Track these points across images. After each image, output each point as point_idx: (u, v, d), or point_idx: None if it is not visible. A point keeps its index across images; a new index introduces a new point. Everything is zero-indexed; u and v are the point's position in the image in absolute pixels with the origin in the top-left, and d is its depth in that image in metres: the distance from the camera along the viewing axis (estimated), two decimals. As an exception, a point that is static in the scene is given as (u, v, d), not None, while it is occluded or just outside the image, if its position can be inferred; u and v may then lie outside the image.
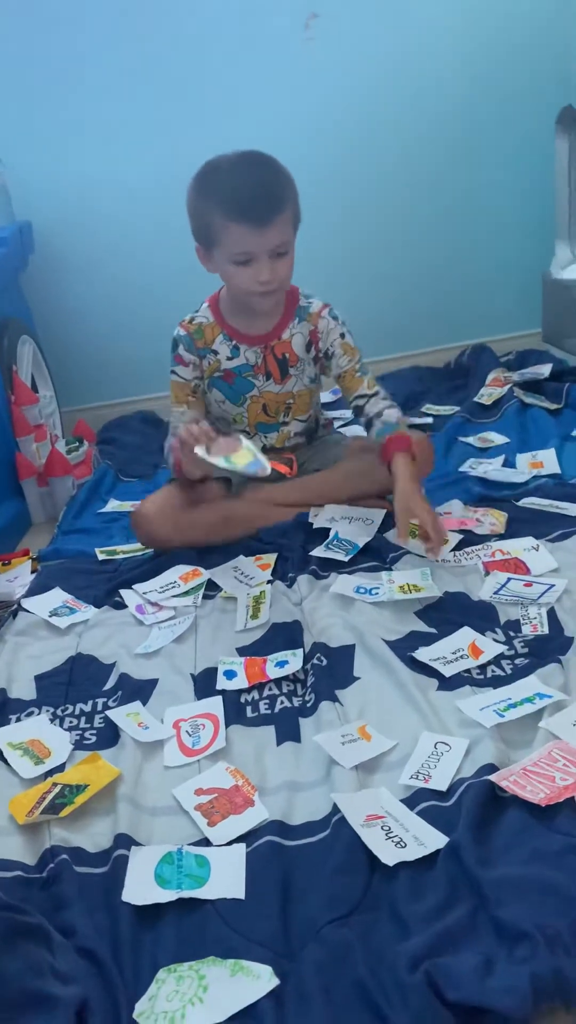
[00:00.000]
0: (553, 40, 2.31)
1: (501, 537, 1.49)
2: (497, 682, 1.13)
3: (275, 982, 0.75)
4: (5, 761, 1.11)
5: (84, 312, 2.43)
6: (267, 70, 2.29)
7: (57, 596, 1.51)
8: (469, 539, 1.49)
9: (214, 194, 1.43)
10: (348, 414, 2.19)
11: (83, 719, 1.19)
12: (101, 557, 1.66)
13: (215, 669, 1.25)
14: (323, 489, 1.61)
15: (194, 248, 1.52)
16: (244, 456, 1.39)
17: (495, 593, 1.32)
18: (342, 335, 1.59)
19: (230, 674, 1.23)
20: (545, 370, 2.18)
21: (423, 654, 1.20)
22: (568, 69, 2.29)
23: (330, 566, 1.46)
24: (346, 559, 1.47)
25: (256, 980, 0.75)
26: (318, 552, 1.49)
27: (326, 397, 2.37)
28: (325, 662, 1.21)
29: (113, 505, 1.91)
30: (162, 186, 2.33)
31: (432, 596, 1.32)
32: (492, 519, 1.54)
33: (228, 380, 1.60)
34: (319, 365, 1.64)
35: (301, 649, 1.26)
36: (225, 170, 1.44)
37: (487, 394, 2.15)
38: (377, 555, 1.48)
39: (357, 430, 2.01)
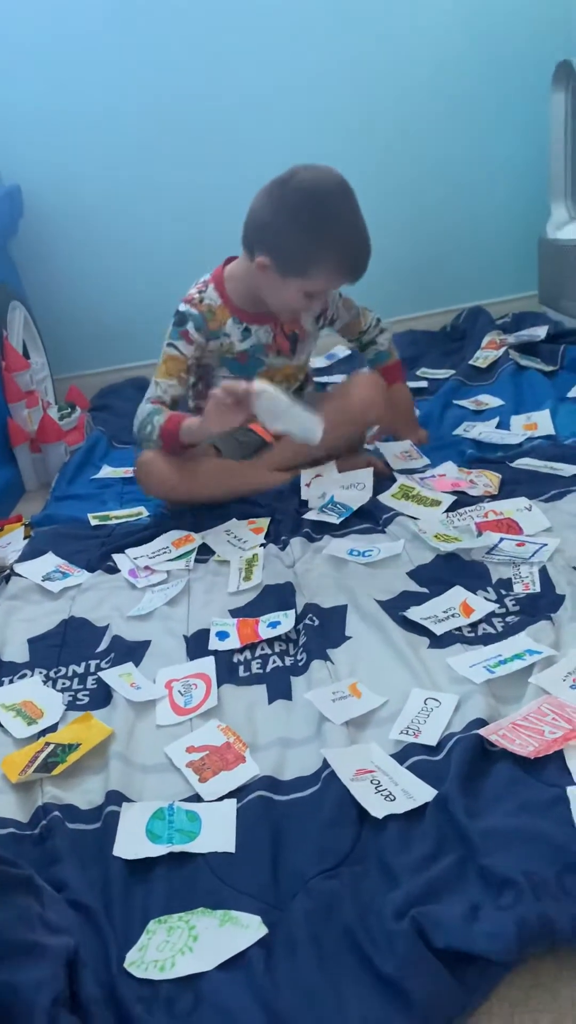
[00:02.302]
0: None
1: (494, 498, 1.48)
2: (488, 640, 1.13)
3: (264, 931, 0.76)
4: (-2, 722, 1.11)
5: (76, 278, 2.41)
6: (259, 27, 2.24)
7: (50, 561, 1.51)
8: (462, 500, 1.48)
9: (332, 246, 1.41)
10: (342, 377, 2.19)
11: (76, 680, 1.20)
12: (94, 523, 1.66)
13: (207, 631, 1.25)
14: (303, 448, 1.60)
15: (244, 251, 1.50)
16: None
17: (488, 553, 1.32)
18: (339, 294, 1.64)
19: (223, 635, 1.24)
20: (541, 332, 2.16)
21: (414, 613, 1.20)
22: (564, 24, 2.25)
23: (323, 529, 1.47)
24: (338, 522, 1.46)
25: (245, 929, 0.76)
26: (311, 515, 1.49)
27: (320, 362, 2.36)
28: (317, 622, 1.21)
29: (106, 471, 1.91)
30: (154, 150, 2.31)
31: (472, 546, 1.33)
32: (486, 480, 1.53)
33: (242, 360, 1.59)
34: (324, 329, 1.67)
35: (293, 610, 1.26)
36: (346, 224, 1.42)
37: (482, 357, 2.13)
38: (369, 516, 1.48)
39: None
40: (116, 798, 0.94)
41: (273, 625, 1.23)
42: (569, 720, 0.94)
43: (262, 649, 1.20)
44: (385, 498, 1.52)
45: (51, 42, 2.19)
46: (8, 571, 1.48)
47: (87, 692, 1.17)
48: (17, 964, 0.64)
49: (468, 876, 0.77)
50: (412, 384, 2.05)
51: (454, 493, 1.50)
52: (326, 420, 1.42)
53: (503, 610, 1.19)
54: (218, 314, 1.56)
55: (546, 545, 1.31)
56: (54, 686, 1.19)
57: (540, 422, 1.78)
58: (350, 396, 1.63)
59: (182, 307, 1.56)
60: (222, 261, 1.60)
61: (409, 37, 2.29)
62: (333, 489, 1.55)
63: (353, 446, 1.68)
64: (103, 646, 1.27)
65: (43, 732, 1.09)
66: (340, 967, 0.72)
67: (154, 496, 1.64)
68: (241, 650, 1.20)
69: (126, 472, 1.88)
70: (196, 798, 0.95)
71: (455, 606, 1.20)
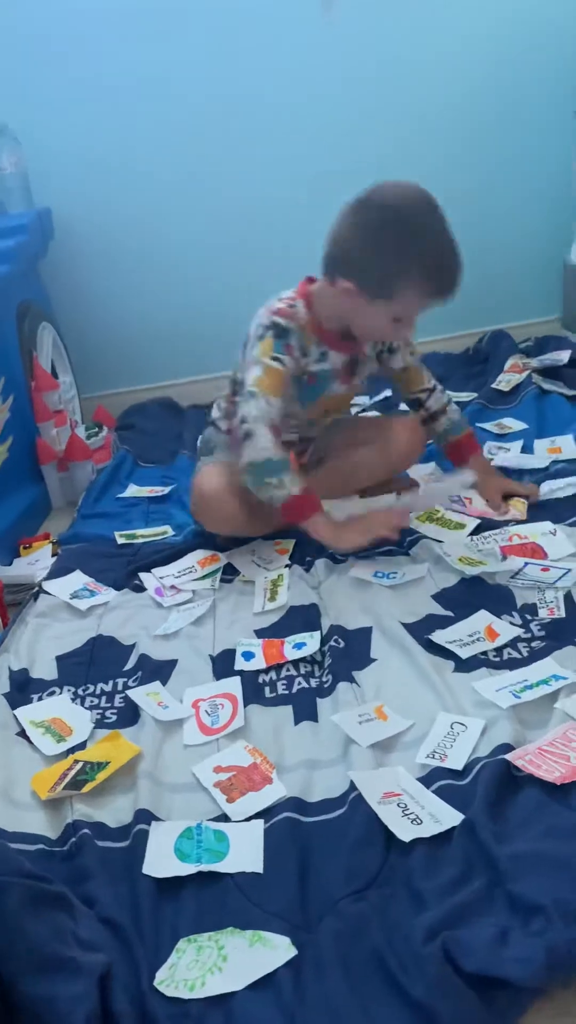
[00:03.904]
0: (574, 23, 2.29)
1: (519, 522, 1.49)
2: (513, 664, 1.14)
3: (293, 952, 0.76)
4: (28, 739, 1.13)
5: (103, 299, 2.44)
6: (284, 56, 2.28)
7: (78, 579, 1.53)
8: (486, 523, 1.49)
9: (418, 264, 1.32)
10: (364, 400, 2.20)
11: (104, 698, 1.21)
12: (120, 541, 1.67)
13: (233, 651, 1.26)
14: (338, 480, 1.61)
15: (326, 277, 1.40)
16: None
17: (512, 577, 1.33)
18: None
19: (248, 655, 1.25)
20: (564, 356, 2.17)
21: (439, 636, 1.21)
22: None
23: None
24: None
25: (274, 950, 0.76)
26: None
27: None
28: (342, 644, 1.22)
29: (132, 490, 1.93)
30: (182, 173, 2.34)
31: (497, 571, 1.34)
32: (515, 511, 1.54)
33: (311, 382, 1.50)
34: (379, 361, 1.59)
35: (319, 631, 1.27)
36: (432, 240, 1.33)
37: (505, 380, 2.14)
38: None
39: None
40: (145, 817, 0.95)
41: (299, 646, 1.24)
42: (596, 746, 0.94)
43: (288, 670, 1.21)
44: (411, 522, 1.53)
45: (81, 69, 2.23)
46: (36, 588, 1.50)
47: (115, 710, 1.18)
48: (53, 979, 0.66)
49: (496, 901, 0.78)
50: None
51: (479, 517, 1.51)
52: (365, 467, 1.46)
53: (528, 635, 1.20)
54: (306, 332, 1.46)
55: (571, 570, 1.31)
56: (82, 704, 1.20)
57: (564, 446, 1.78)
58: (391, 443, 1.58)
59: (281, 321, 1.43)
60: (300, 281, 1.50)
61: (436, 66, 2.32)
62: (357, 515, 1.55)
63: (382, 483, 1.65)
64: (130, 664, 1.28)
65: (72, 749, 1.10)
66: (369, 989, 0.72)
67: (212, 530, 1.57)
68: (267, 671, 1.21)
69: (151, 491, 1.90)
70: (224, 818, 0.96)
71: (480, 630, 1.21)
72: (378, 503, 1.52)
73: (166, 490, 1.89)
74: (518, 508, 1.54)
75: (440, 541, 1.45)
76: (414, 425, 1.61)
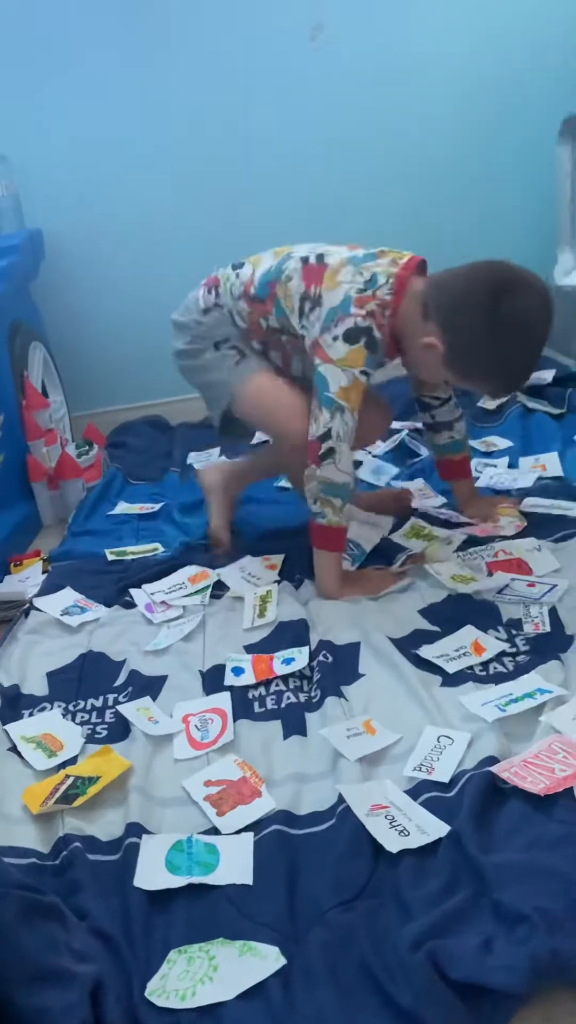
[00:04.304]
0: (555, 52, 2.35)
1: (504, 538, 1.51)
2: (499, 678, 1.15)
3: (282, 962, 0.78)
4: (19, 754, 1.13)
5: (94, 318, 2.47)
6: (273, 81, 2.32)
7: (68, 595, 1.54)
8: (473, 539, 1.51)
9: (510, 375, 1.36)
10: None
11: (94, 714, 1.22)
12: (111, 558, 1.69)
13: (223, 666, 1.28)
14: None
15: (426, 339, 1.34)
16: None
17: (499, 593, 1.35)
18: None
19: (238, 671, 1.26)
20: (548, 375, 2.20)
21: (427, 651, 1.22)
22: (570, 81, 2.32)
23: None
24: (353, 567, 1.49)
25: (264, 960, 0.78)
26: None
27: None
28: (331, 659, 1.24)
29: (122, 508, 1.94)
30: (172, 194, 2.38)
31: (485, 587, 1.35)
32: (511, 519, 1.56)
33: None
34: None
35: (307, 646, 1.29)
36: (533, 358, 1.35)
37: (490, 399, 2.17)
38: (384, 557, 1.51)
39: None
40: (136, 830, 0.96)
41: (288, 662, 1.26)
42: (579, 758, 0.96)
43: (277, 685, 1.22)
44: (398, 537, 1.55)
45: (73, 92, 2.27)
46: (27, 605, 1.51)
47: (105, 726, 1.19)
48: (46, 989, 0.67)
49: (482, 910, 0.79)
50: (421, 424, 2.08)
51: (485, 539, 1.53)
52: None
53: (514, 649, 1.22)
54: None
55: (556, 586, 1.33)
56: (73, 719, 1.21)
57: (548, 464, 1.81)
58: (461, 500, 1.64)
59: (376, 332, 1.36)
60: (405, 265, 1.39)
61: (422, 93, 2.37)
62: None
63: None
64: (120, 680, 1.29)
65: (63, 764, 1.11)
66: (357, 998, 0.73)
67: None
68: (256, 686, 1.22)
69: (141, 508, 1.92)
70: (214, 831, 0.97)
71: (467, 645, 1.23)
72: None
73: (156, 507, 1.91)
74: (510, 514, 1.57)
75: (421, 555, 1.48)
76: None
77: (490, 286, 1.29)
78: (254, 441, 1.96)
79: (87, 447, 2.16)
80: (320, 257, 1.43)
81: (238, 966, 0.77)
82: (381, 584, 1.42)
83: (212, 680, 1.26)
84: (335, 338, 1.36)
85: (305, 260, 1.44)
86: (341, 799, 0.96)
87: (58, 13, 2.21)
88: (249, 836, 0.95)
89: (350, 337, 1.36)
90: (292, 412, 1.43)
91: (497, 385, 1.43)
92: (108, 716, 1.21)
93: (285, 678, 1.23)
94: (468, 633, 1.25)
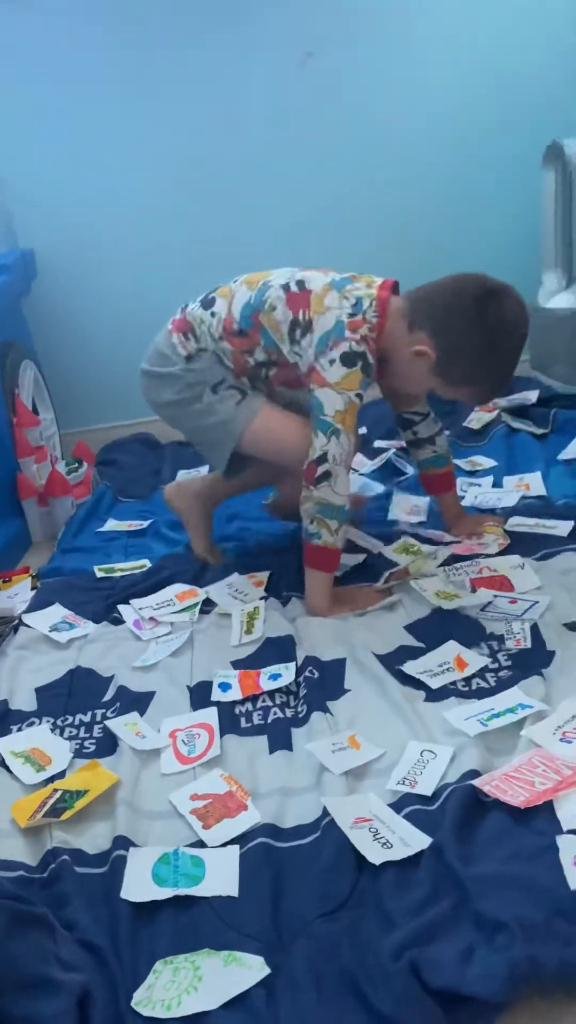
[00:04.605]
0: (541, 82, 2.40)
1: (488, 555, 1.54)
2: (481, 693, 1.17)
3: (266, 971, 0.79)
4: (7, 768, 1.15)
5: (84, 337, 2.49)
6: (264, 104, 2.37)
7: (57, 612, 1.55)
8: (457, 555, 1.54)
9: (496, 379, 1.41)
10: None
11: (82, 729, 1.23)
12: (99, 574, 1.70)
13: (210, 682, 1.29)
14: None
15: (416, 347, 1.38)
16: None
17: (482, 610, 1.37)
18: None
19: (225, 686, 1.28)
20: (532, 396, 2.23)
21: (411, 667, 1.24)
22: (554, 109, 2.38)
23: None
24: (338, 573, 1.51)
25: (248, 969, 0.79)
26: None
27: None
28: (317, 675, 1.26)
29: (111, 525, 1.96)
30: (164, 214, 2.41)
31: (469, 604, 1.38)
32: (495, 537, 1.59)
33: None
34: None
35: (294, 662, 1.30)
36: (511, 362, 1.40)
37: (476, 419, 2.20)
38: (371, 573, 1.53)
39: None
40: (123, 843, 0.98)
41: (274, 677, 1.28)
42: (558, 772, 0.98)
43: (263, 701, 1.24)
44: (388, 551, 1.57)
45: (65, 112, 2.30)
46: (16, 621, 1.53)
47: (93, 740, 1.21)
48: (35, 997, 0.68)
49: (462, 920, 0.81)
50: (404, 441, 2.11)
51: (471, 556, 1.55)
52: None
53: (496, 665, 1.24)
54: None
55: (537, 603, 1.36)
56: (61, 734, 1.23)
57: (532, 483, 1.84)
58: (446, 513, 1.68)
59: (369, 357, 1.40)
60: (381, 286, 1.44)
61: (413, 119, 2.42)
62: None
63: None
64: (109, 696, 1.31)
65: (51, 779, 1.12)
66: (339, 1006, 0.75)
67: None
68: (243, 701, 1.24)
69: (130, 525, 1.94)
70: (200, 844, 0.98)
71: (450, 660, 1.25)
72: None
73: (145, 524, 1.93)
74: (495, 533, 1.59)
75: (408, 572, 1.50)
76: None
77: (476, 292, 1.36)
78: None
79: (77, 465, 2.17)
80: (300, 283, 1.46)
81: (223, 976, 0.79)
82: (368, 602, 1.44)
83: (199, 696, 1.27)
84: (331, 362, 1.39)
85: (286, 287, 1.46)
86: (326, 812, 0.98)
87: (51, 34, 2.25)
88: (235, 849, 0.96)
89: (346, 361, 1.39)
90: (305, 439, 1.43)
91: (484, 388, 1.44)
92: (96, 731, 1.22)
93: (271, 693, 1.25)
94: (451, 649, 1.28)
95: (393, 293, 1.44)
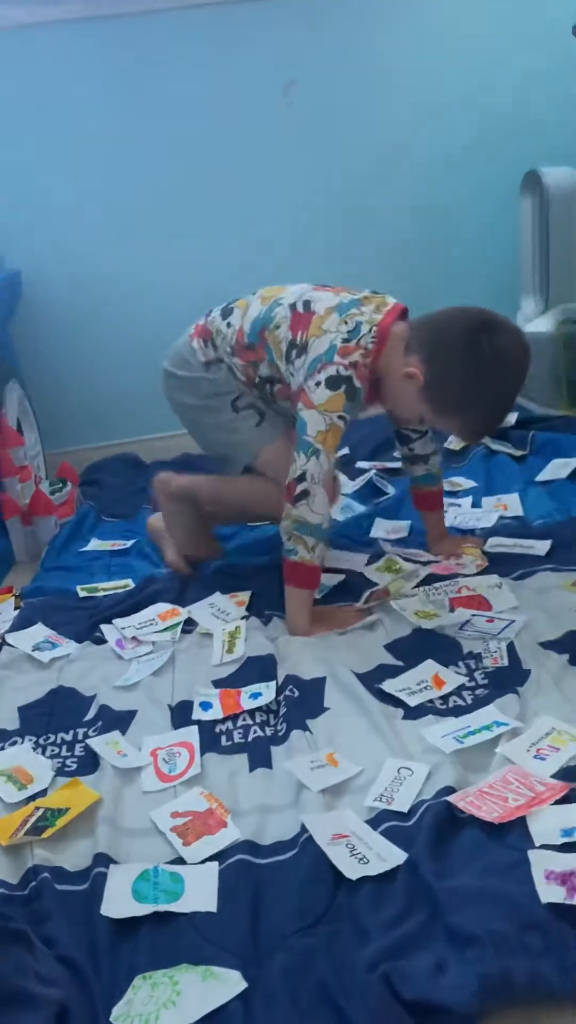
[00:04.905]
0: (519, 112, 2.46)
1: (471, 575, 1.56)
2: (458, 711, 1.19)
3: (244, 985, 0.80)
4: (-11, 787, 1.15)
5: (69, 358, 2.52)
6: (246, 131, 2.41)
7: (39, 631, 1.56)
8: (436, 575, 1.56)
9: (482, 413, 1.42)
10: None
11: (64, 747, 1.24)
12: (82, 594, 1.71)
13: (191, 701, 1.30)
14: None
15: (409, 369, 1.41)
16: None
17: (460, 629, 1.39)
18: None
19: (206, 705, 1.29)
20: (511, 418, 2.27)
21: (389, 685, 1.26)
22: (531, 138, 2.44)
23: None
24: (318, 595, 1.53)
25: (226, 984, 0.80)
26: None
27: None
28: (297, 694, 1.27)
29: (95, 544, 1.97)
30: (149, 236, 2.45)
31: (447, 623, 1.40)
32: (472, 558, 1.62)
33: None
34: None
35: (274, 681, 1.32)
36: (506, 403, 1.42)
37: (456, 441, 2.24)
38: (352, 590, 1.56)
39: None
40: (104, 860, 0.98)
41: (255, 696, 1.29)
42: (532, 788, 1.00)
43: (244, 719, 1.25)
44: (370, 572, 1.60)
45: (51, 137, 2.34)
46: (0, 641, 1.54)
47: (75, 759, 1.22)
48: (14, 1012, 0.69)
49: (435, 933, 0.82)
50: (389, 464, 2.15)
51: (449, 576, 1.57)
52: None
53: (472, 683, 1.26)
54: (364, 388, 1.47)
55: (514, 622, 1.38)
56: (43, 753, 1.23)
57: (510, 504, 1.87)
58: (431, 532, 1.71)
59: (356, 381, 1.43)
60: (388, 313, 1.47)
61: (394, 147, 2.48)
62: None
63: None
64: (90, 715, 1.32)
65: (33, 797, 1.13)
66: (315, 1018, 0.76)
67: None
68: (223, 720, 1.25)
69: (114, 545, 1.95)
70: (180, 861, 0.99)
71: (428, 679, 1.27)
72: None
73: (128, 544, 1.94)
74: (473, 554, 1.62)
75: (396, 599, 1.52)
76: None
77: (472, 323, 1.38)
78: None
79: (61, 484, 2.19)
80: (307, 304, 1.50)
81: (200, 990, 0.80)
82: (347, 621, 1.46)
83: (180, 715, 1.28)
84: (317, 384, 1.43)
85: (294, 307, 1.50)
86: (304, 829, 0.99)
87: (37, 59, 2.29)
88: (214, 865, 0.97)
89: (331, 384, 1.42)
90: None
91: (469, 421, 1.44)
92: (78, 750, 1.23)
93: (252, 712, 1.26)
94: (429, 667, 1.30)
95: (402, 318, 1.48)
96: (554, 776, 1.03)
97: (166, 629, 1.53)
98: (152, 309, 2.47)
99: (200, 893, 0.93)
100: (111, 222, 2.43)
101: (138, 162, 2.40)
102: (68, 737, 1.27)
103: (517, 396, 1.44)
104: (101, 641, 1.52)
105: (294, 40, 2.38)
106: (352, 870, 0.92)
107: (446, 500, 1.92)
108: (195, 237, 2.46)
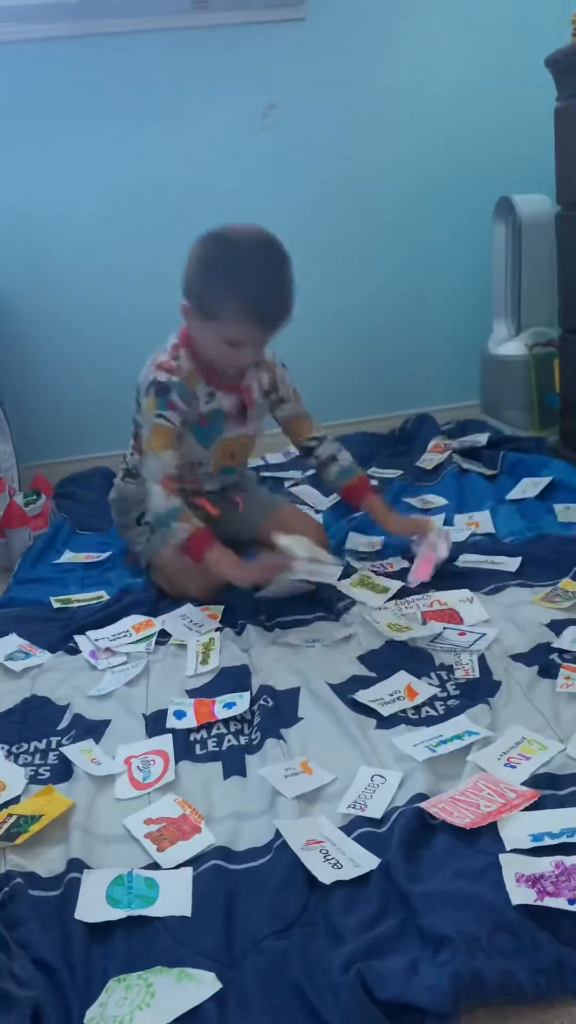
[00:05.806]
0: (492, 141, 2.53)
1: (438, 588, 1.59)
2: (430, 721, 1.21)
3: (218, 986, 0.81)
4: (-39, 794, 1.15)
5: (44, 370, 2.52)
6: (226, 152, 2.45)
7: (12, 641, 1.56)
8: (407, 589, 1.58)
9: (234, 290, 1.46)
10: (297, 474, 2.31)
11: (37, 755, 1.24)
12: (56, 605, 1.71)
13: (166, 711, 1.31)
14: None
15: (179, 305, 1.55)
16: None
17: (432, 641, 1.41)
18: (288, 379, 1.74)
19: (180, 714, 1.29)
20: (482, 438, 2.32)
21: (363, 696, 1.28)
22: (504, 165, 2.50)
23: (276, 614, 1.55)
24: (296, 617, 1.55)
25: (200, 985, 0.80)
26: (265, 593, 1.58)
27: (276, 458, 2.49)
28: (271, 703, 1.28)
29: (68, 556, 1.97)
30: (123, 247, 2.47)
31: (420, 636, 1.42)
32: (436, 534, 1.67)
33: (203, 424, 1.65)
34: (271, 408, 1.74)
35: (248, 691, 1.33)
36: (248, 267, 1.47)
37: (428, 459, 2.27)
38: (327, 604, 1.57)
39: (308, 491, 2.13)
40: (77, 866, 0.98)
41: (229, 706, 1.30)
42: (502, 795, 1.02)
43: (218, 728, 1.26)
44: (344, 586, 1.61)
45: (27, 149, 2.36)
46: (-28, 650, 1.53)
47: (48, 767, 1.21)
48: (-10, 1010, 0.68)
49: (408, 935, 0.84)
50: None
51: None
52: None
53: (444, 694, 1.28)
54: (190, 379, 1.59)
55: (485, 635, 1.40)
56: (16, 761, 1.23)
57: (481, 521, 1.90)
58: (378, 517, 1.75)
59: (161, 376, 1.57)
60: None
61: (369, 171, 2.53)
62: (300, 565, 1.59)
63: None
64: (64, 723, 1.31)
65: (5, 804, 1.12)
66: (290, 1018, 0.77)
67: (170, 595, 1.67)
68: (198, 729, 1.26)
69: (88, 557, 1.95)
70: (155, 866, 0.99)
71: (400, 689, 1.29)
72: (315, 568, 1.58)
73: (102, 556, 1.94)
74: (431, 527, 1.68)
75: (364, 604, 1.53)
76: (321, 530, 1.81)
77: (204, 233, 1.52)
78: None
79: (35, 496, 2.18)
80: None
81: (175, 992, 0.80)
82: (275, 565, 1.53)
83: (155, 724, 1.28)
84: (141, 400, 1.62)
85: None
86: (278, 835, 1.00)
87: (13, 73, 2.31)
88: (188, 871, 0.98)
89: (147, 392, 1.59)
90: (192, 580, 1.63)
91: (237, 308, 1.47)
92: (51, 758, 1.23)
93: (226, 721, 1.27)
94: (402, 678, 1.31)
95: None
96: (524, 783, 1.05)
97: (140, 640, 1.53)
98: (128, 322, 2.49)
99: (174, 898, 0.93)
100: (86, 236, 2.45)
101: (116, 178, 2.42)
102: (41, 745, 1.27)
103: (275, 269, 1.49)
104: (75, 651, 1.52)
105: (276, 64, 2.42)
106: (326, 875, 0.93)
107: (419, 516, 1.96)
108: (170, 254, 2.47)
